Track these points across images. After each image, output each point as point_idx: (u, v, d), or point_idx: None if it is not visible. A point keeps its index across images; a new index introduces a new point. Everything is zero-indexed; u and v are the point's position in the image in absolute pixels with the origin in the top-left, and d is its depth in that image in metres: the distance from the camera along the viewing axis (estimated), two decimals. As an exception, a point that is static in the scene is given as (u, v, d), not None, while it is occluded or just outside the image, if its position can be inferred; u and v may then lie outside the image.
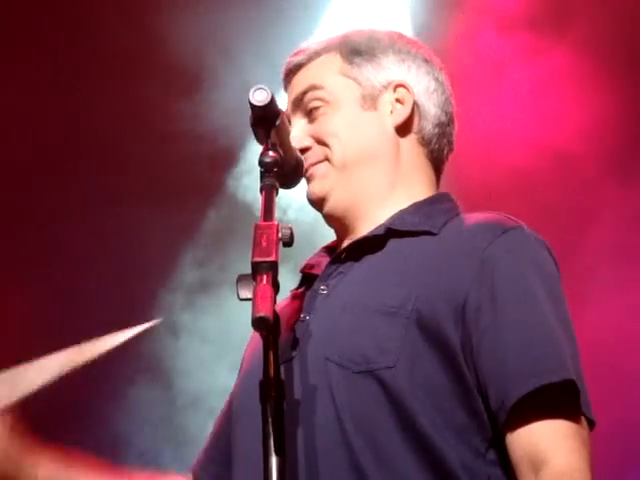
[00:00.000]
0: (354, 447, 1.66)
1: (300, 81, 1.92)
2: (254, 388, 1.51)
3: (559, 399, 1.64)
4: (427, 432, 1.65)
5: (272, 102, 1.66)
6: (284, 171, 1.68)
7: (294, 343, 1.76)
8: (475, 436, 1.67)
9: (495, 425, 1.66)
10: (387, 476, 1.64)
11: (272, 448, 1.45)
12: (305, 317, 1.79)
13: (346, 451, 1.66)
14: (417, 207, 1.86)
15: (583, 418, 1.65)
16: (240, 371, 1.95)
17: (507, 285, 1.70)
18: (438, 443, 1.64)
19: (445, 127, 1.94)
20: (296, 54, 1.95)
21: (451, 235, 1.78)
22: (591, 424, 1.67)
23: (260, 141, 1.70)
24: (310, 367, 1.72)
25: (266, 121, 1.68)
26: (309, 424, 1.69)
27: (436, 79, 1.95)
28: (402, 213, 1.85)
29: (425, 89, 1.92)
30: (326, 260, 1.90)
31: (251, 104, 1.66)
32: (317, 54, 1.93)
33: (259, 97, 1.65)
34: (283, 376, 1.64)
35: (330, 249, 1.95)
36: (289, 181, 1.76)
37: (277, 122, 1.68)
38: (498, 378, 1.65)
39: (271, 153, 1.66)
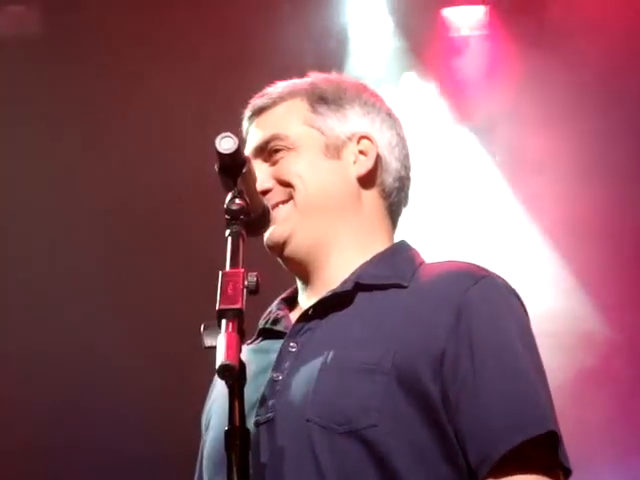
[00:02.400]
0: None
1: (263, 126, 1.89)
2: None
3: (539, 452, 1.63)
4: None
5: (239, 150, 1.66)
6: (251, 218, 1.68)
7: (270, 404, 1.73)
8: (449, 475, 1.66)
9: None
10: None
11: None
12: (278, 377, 1.76)
13: None
14: (380, 259, 1.85)
15: (560, 470, 1.65)
16: (208, 427, 1.89)
17: (483, 337, 1.69)
18: None
19: (404, 181, 1.94)
20: (261, 96, 1.93)
21: (422, 287, 1.77)
22: (567, 473, 1.67)
23: (227, 189, 1.70)
24: (291, 429, 1.69)
25: (233, 169, 1.68)
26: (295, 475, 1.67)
27: (398, 134, 1.95)
28: (366, 266, 1.84)
29: (388, 143, 1.92)
30: (286, 313, 1.88)
31: (218, 152, 1.66)
32: (282, 99, 1.91)
33: (226, 145, 1.65)
34: (263, 438, 1.67)
35: (288, 300, 1.92)
36: (256, 228, 1.75)
37: (244, 170, 1.69)
38: (480, 432, 1.64)
39: (237, 201, 1.66)
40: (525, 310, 1.78)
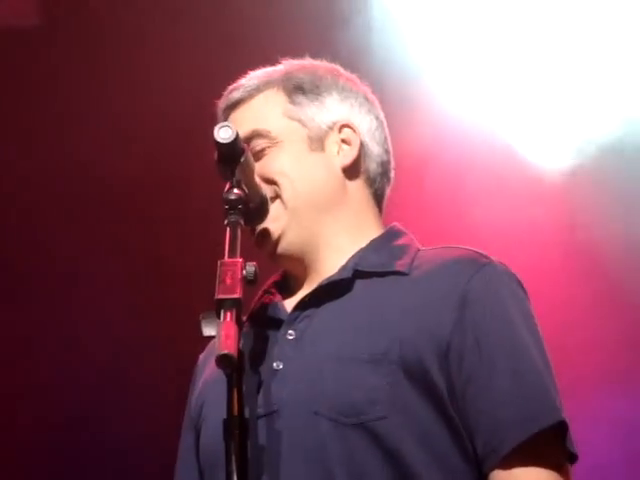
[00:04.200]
0: None
1: (241, 120, 1.85)
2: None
3: (546, 442, 1.63)
4: (413, 469, 1.63)
5: (237, 140, 1.66)
6: (249, 208, 1.68)
7: (273, 396, 1.71)
8: (459, 466, 1.66)
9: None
10: None
11: (236, 487, 1.44)
12: (278, 366, 1.74)
13: None
14: (376, 245, 1.84)
15: (567, 460, 1.66)
16: (201, 417, 1.87)
17: (489, 327, 1.69)
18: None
19: (387, 165, 1.93)
20: (235, 89, 1.90)
21: (424, 275, 1.76)
22: (574, 457, 1.67)
23: (225, 178, 1.69)
24: (297, 422, 1.68)
25: (231, 158, 1.68)
26: (302, 471, 1.66)
27: (377, 117, 1.93)
28: (363, 252, 1.83)
29: (368, 128, 1.90)
30: (279, 299, 1.86)
31: (216, 141, 1.66)
32: (257, 90, 1.88)
33: (224, 135, 1.65)
34: (265, 431, 1.65)
35: (279, 285, 1.90)
36: (254, 218, 1.76)
37: (242, 159, 1.69)
38: (488, 425, 1.64)
39: (235, 190, 1.66)
40: (527, 295, 1.77)
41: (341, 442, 1.65)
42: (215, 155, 1.69)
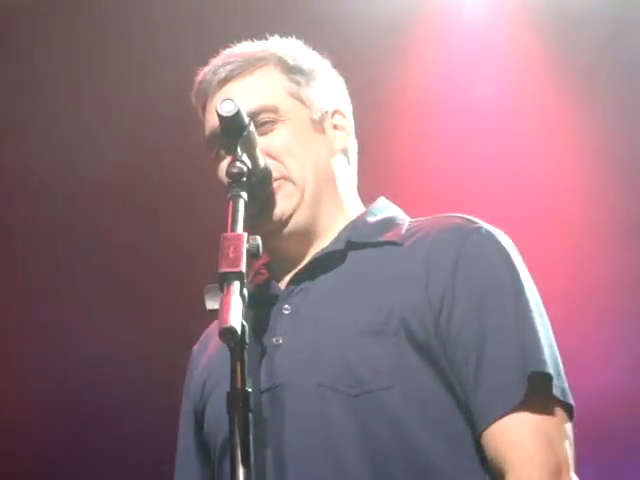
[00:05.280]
0: (356, 471, 1.66)
1: (242, 94, 1.82)
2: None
3: (537, 398, 1.65)
4: (427, 448, 1.66)
5: (239, 113, 1.67)
6: (251, 182, 1.68)
7: (275, 371, 1.73)
8: (470, 442, 1.68)
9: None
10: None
11: (239, 459, 1.44)
12: (278, 341, 1.76)
13: (347, 476, 1.66)
14: (366, 218, 1.87)
15: (560, 410, 1.67)
16: (204, 396, 1.88)
17: (481, 290, 1.72)
18: (437, 459, 1.66)
19: (355, 145, 1.97)
20: (227, 63, 1.88)
21: (416, 244, 1.78)
22: (571, 409, 1.68)
23: (228, 152, 1.70)
24: (301, 395, 1.70)
25: (233, 132, 1.68)
26: (306, 453, 1.68)
27: (348, 98, 1.98)
28: (354, 225, 1.86)
29: (349, 111, 1.96)
30: (266, 277, 1.87)
31: (219, 115, 1.66)
32: (253, 65, 1.87)
33: (226, 108, 1.66)
34: (268, 406, 1.67)
35: (268, 265, 1.91)
36: (257, 192, 1.74)
37: (244, 133, 1.69)
38: (480, 388, 1.67)
39: (238, 164, 1.66)
40: (518, 253, 1.79)
41: (346, 413, 1.67)
42: (207, 133, 1.75)
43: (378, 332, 1.69)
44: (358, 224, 1.86)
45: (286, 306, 1.80)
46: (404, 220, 1.88)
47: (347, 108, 1.96)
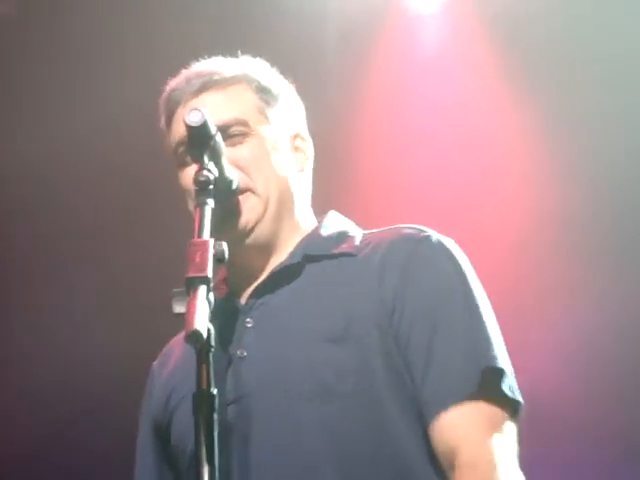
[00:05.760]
0: (326, 472, 1.72)
1: (216, 105, 1.90)
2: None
3: (486, 391, 1.73)
4: (394, 444, 1.74)
5: (206, 124, 1.72)
6: (218, 189, 1.73)
7: (240, 380, 1.79)
8: (422, 425, 1.76)
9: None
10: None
11: (204, 458, 1.49)
12: (242, 353, 1.82)
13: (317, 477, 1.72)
14: (321, 231, 1.96)
15: (507, 406, 1.74)
16: (170, 408, 1.93)
17: (430, 288, 1.80)
18: (405, 456, 1.74)
19: (312, 165, 2.05)
20: (201, 75, 1.94)
21: (370, 254, 1.86)
22: (518, 405, 1.76)
23: (195, 160, 1.75)
24: (269, 402, 1.76)
25: (200, 141, 1.73)
26: (275, 461, 1.73)
27: (306, 124, 2.05)
28: (309, 238, 1.94)
29: (308, 134, 2.04)
30: (225, 292, 1.93)
31: (186, 125, 1.71)
32: (227, 81, 1.94)
33: (194, 118, 1.71)
34: (237, 416, 1.73)
35: (226, 281, 1.96)
36: (222, 200, 1.79)
37: (211, 142, 1.74)
38: (428, 385, 1.75)
39: (205, 172, 1.71)
40: (467, 260, 1.86)
41: (313, 417, 1.74)
42: (175, 140, 1.85)
43: (339, 338, 1.76)
44: (313, 238, 1.94)
45: (248, 319, 1.86)
46: (356, 232, 1.96)
47: (306, 132, 2.03)
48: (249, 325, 1.85)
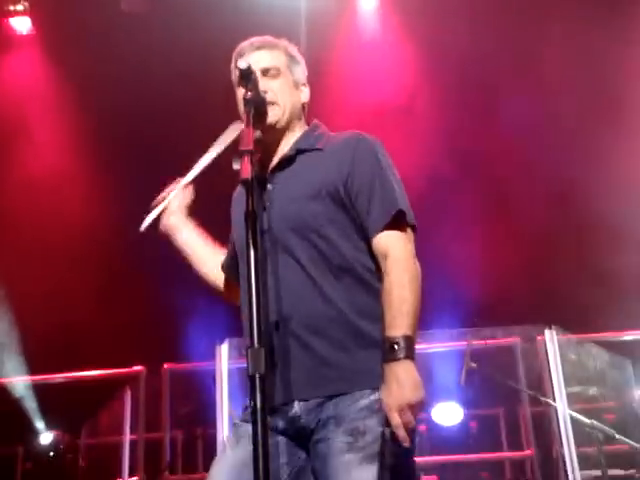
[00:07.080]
0: (310, 272, 2.98)
1: (265, 57, 3.23)
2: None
3: (397, 222, 3.01)
4: (344, 252, 3.01)
5: (250, 67, 3.00)
6: (256, 102, 3.01)
7: (267, 219, 3.05)
8: (359, 240, 3.04)
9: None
10: (323, 273, 2.99)
11: (252, 246, 2.68)
12: (266, 203, 3.09)
13: (306, 276, 2.98)
14: (307, 134, 3.25)
15: (410, 228, 3.02)
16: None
17: (366, 165, 3.08)
18: (349, 256, 3.01)
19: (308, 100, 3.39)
20: (259, 41, 3.26)
21: (332, 148, 3.15)
22: (414, 226, 3.05)
23: (244, 87, 3.04)
24: (281, 233, 3.02)
25: (247, 77, 3.02)
26: (284, 258, 3.01)
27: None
28: (300, 138, 3.23)
29: (306, 82, 3.38)
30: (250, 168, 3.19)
31: (237, 67, 3.00)
32: (273, 47, 3.27)
33: (242, 65, 3.00)
34: (268, 241, 3.04)
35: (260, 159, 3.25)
36: (258, 109, 3.07)
37: (253, 77, 3.03)
38: (369, 215, 3.03)
39: (250, 93, 3.01)
40: (383, 148, 3.17)
41: (300, 242, 3.02)
42: (236, 75, 3.12)
43: (315, 197, 3.05)
44: (303, 138, 3.24)
45: (270, 186, 3.15)
46: (327, 135, 3.25)
47: (306, 82, 3.34)
48: (269, 188, 3.13)
